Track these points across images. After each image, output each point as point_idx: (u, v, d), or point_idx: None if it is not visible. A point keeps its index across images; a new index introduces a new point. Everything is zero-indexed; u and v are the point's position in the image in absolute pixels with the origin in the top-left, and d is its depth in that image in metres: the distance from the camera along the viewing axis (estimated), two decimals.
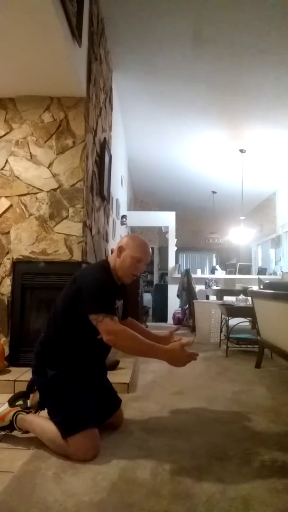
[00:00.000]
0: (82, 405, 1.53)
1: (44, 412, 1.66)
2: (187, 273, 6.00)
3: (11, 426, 1.65)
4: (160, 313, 7.49)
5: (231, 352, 3.72)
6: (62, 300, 1.68)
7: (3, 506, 1.15)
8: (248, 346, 3.79)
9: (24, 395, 1.77)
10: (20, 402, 1.73)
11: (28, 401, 1.74)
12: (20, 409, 1.68)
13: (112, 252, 1.75)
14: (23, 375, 2.45)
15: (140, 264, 1.72)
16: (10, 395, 1.81)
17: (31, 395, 1.76)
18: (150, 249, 1.79)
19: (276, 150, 6.17)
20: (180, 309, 6.37)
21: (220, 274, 7.25)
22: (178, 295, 6.26)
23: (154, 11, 3.24)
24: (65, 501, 1.17)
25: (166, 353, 1.55)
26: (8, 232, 2.85)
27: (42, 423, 1.58)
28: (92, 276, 1.67)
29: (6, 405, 1.71)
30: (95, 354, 1.75)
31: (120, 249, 1.72)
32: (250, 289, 3.94)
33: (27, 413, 1.68)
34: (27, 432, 1.63)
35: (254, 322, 3.55)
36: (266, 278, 5.75)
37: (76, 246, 2.81)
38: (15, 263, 2.82)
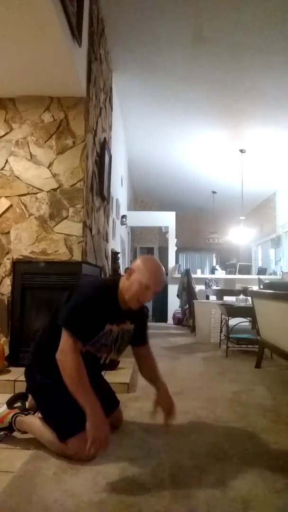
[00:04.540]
0: (72, 409, 1.42)
1: None
2: (187, 273, 6.00)
3: (10, 428, 1.65)
4: (160, 313, 7.49)
5: (231, 352, 3.72)
6: (56, 307, 1.67)
7: (3, 506, 1.15)
8: (248, 346, 3.79)
9: (22, 397, 1.78)
10: (19, 404, 1.73)
11: (27, 403, 1.75)
12: (18, 411, 1.68)
13: (125, 271, 1.61)
14: (23, 375, 2.44)
15: (148, 291, 1.54)
16: (10, 395, 1.82)
17: (30, 396, 1.76)
18: (164, 276, 1.60)
19: (276, 150, 6.17)
20: (180, 309, 6.37)
21: (220, 274, 7.26)
22: (178, 295, 6.26)
23: (154, 11, 3.24)
24: (65, 501, 1.17)
25: (94, 416, 1.36)
26: (8, 232, 2.85)
27: (40, 425, 1.58)
28: (85, 290, 1.61)
29: (5, 406, 1.71)
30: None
31: (130, 271, 1.57)
32: (250, 289, 3.94)
33: (26, 414, 1.68)
34: (26, 432, 1.63)
35: (254, 322, 3.55)
36: (266, 278, 5.76)
37: (76, 246, 2.81)
38: (15, 263, 2.82)
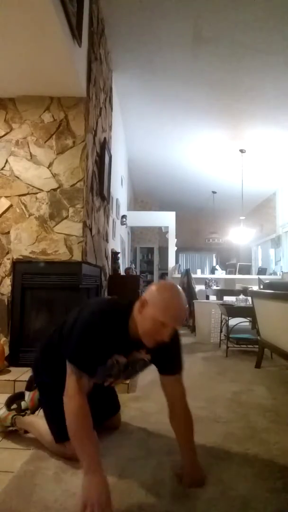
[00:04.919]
0: None
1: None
2: (187, 273, 6.00)
3: (14, 426, 1.68)
4: None
5: (231, 352, 3.72)
6: (63, 324, 1.55)
7: (3, 506, 1.15)
8: (248, 346, 3.79)
9: (18, 397, 1.78)
10: (15, 406, 1.74)
11: (23, 403, 1.74)
12: (15, 413, 1.69)
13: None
14: (23, 375, 2.45)
15: (165, 329, 1.24)
16: (10, 395, 1.82)
17: (31, 393, 1.76)
18: (185, 309, 1.27)
19: (276, 150, 6.17)
20: None
21: (220, 274, 7.26)
22: None
23: (154, 11, 3.24)
24: (65, 501, 1.17)
25: (91, 474, 1.14)
26: (8, 232, 2.85)
27: (39, 426, 1.58)
28: (91, 315, 1.36)
29: (4, 408, 1.73)
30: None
31: (143, 302, 1.27)
32: (250, 289, 3.94)
33: (23, 415, 1.69)
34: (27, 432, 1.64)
35: (254, 322, 3.55)
36: (266, 278, 5.75)
37: (76, 246, 2.81)
38: (15, 263, 2.82)
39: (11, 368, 2.63)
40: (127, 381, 1.63)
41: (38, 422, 1.60)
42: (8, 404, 1.75)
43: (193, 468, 1.33)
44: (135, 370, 1.50)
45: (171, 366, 1.44)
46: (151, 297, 1.26)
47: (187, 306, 1.25)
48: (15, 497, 1.19)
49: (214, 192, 8.60)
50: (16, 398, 1.78)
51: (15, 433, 1.67)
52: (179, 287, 1.30)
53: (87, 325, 1.32)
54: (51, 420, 1.50)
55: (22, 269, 2.80)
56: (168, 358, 1.42)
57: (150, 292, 1.28)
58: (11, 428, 1.67)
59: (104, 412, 1.67)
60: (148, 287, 1.34)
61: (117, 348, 1.38)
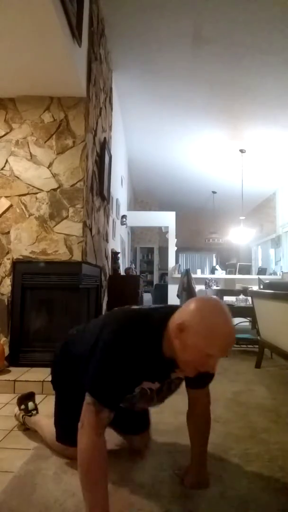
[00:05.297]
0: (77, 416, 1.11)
1: (48, 411, 1.67)
2: (187, 273, 6.01)
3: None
4: None
5: (231, 352, 3.72)
6: (83, 331, 1.37)
7: (3, 506, 1.15)
8: (248, 346, 3.79)
9: (26, 398, 1.80)
10: (23, 406, 1.77)
11: (30, 404, 1.77)
12: (24, 413, 1.74)
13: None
14: (23, 375, 2.45)
15: (211, 360, 1.03)
16: (10, 395, 1.83)
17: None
18: (234, 333, 1.05)
19: (276, 150, 6.17)
20: None
21: (220, 274, 7.26)
22: (178, 295, 6.26)
23: (154, 11, 3.24)
24: (65, 501, 1.17)
25: None
26: (8, 232, 2.85)
27: (42, 424, 1.60)
28: (114, 336, 1.10)
29: (17, 407, 1.80)
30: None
31: (181, 327, 1.02)
32: (250, 289, 3.94)
33: (30, 416, 1.72)
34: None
35: (254, 322, 3.55)
36: (266, 278, 5.75)
37: (76, 246, 2.81)
38: (15, 263, 2.82)
39: (11, 368, 2.63)
40: (160, 404, 1.35)
41: (42, 421, 1.63)
42: (19, 404, 1.79)
43: (200, 470, 1.30)
44: (170, 390, 1.31)
45: (202, 379, 1.24)
46: (191, 321, 1.01)
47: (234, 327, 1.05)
48: (15, 497, 1.19)
49: (214, 192, 8.60)
50: (25, 398, 1.80)
51: (18, 433, 1.68)
52: (223, 304, 1.05)
53: (109, 349, 1.08)
54: (58, 420, 1.46)
55: (22, 269, 2.80)
56: (201, 375, 1.14)
57: (190, 314, 1.02)
58: (26, 426, 1.74)
59: (129, 425, 1.49)
60: (185, 305, 1.08)
61: (149, 374, 1.16)
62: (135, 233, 9.71)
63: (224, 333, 1.00)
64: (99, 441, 1.04)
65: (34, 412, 1.74)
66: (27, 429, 1.73)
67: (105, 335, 1.13)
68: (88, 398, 1.07)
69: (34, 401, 1.79)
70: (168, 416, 1.91)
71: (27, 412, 1.74)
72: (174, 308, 1.13)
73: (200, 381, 1.26)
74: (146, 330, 1.10)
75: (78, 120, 2.89)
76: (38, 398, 2.17)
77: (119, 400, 1.10)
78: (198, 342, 0.99)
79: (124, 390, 1.12)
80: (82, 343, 1.30)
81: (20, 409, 1.76)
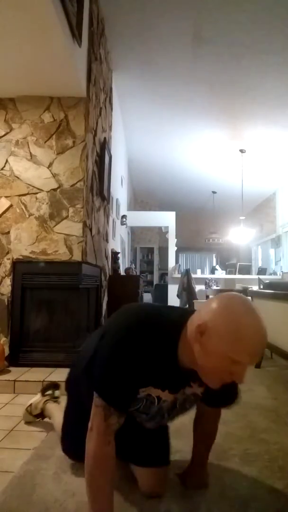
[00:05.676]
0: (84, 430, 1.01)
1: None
2: (187, 273, 6.01)
3: (42, 414, 1.75)
4: None
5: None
6: (90, 343, 1.15)
7: (3, 506, 1.15)
8: None
9: (54, 386, 1.82)
10: (50, 391, 1.79)
11: (57, 392, 1.79)
12: (48, 398, 1.76)
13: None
14: (23, 375, 2.45)
15: (239, 367, 0.87)
16: (10, 395, 1.83)
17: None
18: (266, 336, 0.88)
19: (276, 150, 6.17)
20: None
21: (220, 274, 7.26)
22: (178, 295, 6.26)
23: (154, 11, 3.24)
24: (65, 501, 1.17)
25: None
26: (8, 232, 2.85)
27: (57, 419, 1.57)
28: (123, 333, 0.97)
29: (39, 395, 1.80)
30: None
31: (202, 329, 0.88)
32: (250, 289, 3.94)
33: (55, 401, 1.74)
34: None
35: None
36: (266, 278, 5.76)
37: (76, 246, 2.81)
38: (15, 263, 2.82)
39: (11, 368, 2.63)
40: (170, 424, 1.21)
41: (56, 415, 1.60)
42: (43, 390, 1.80)
43: (200, 471, 1.27)
44: (184, 409, 1.13)
45: (224, 397, 1.12)
46: (215, 322, 0.86)
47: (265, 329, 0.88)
48: (15, 497, 1.19)
49: (214, 192, 8.61)
50: (52, 386, 1.81)
51: (18, 433, 1.68)
52: (252, 304, 0.90)
53: (117, 349, 0.96)
54: (65, 431, 1.34)
55: (22, 269, 2.80)
56: (223, 390, 0.98)
57: (212, 313, 0.88)
58: (39, 419, 1.75)
59: (143, 452, 1.24)
60: (206, 303, 0.93)
61: (159, 379, 1.01)
62: (135, 233, 9.71)
63: (254, 335, 0.85)
64: (106, 448, 0.97)
65: (59, 399, 1.75)
66: (39, 416, 1.74)
67: (112, 332, 1.01)
68: (96, 400, 0.98)
69: (59, 390, 1.80)
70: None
71: (53, 397, 1.75)
72: (192, 311, 1.01)
73: (221, 399, 1.11)
74: (159, 331, 0.96)
75: (78, 120, 2.89)
76: None
77: (128, 401, 0.99)
78: (222, 346, 0.85)
79: (133, 391, 1.00)
80: (88, 344, 1.22)
81: (43, 395, 1.76)
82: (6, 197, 2.87)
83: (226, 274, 7.29)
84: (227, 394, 1.12)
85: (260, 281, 4.81)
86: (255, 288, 4.51)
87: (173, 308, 1.09)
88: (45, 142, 2.89)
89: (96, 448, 0.96)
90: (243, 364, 0.86)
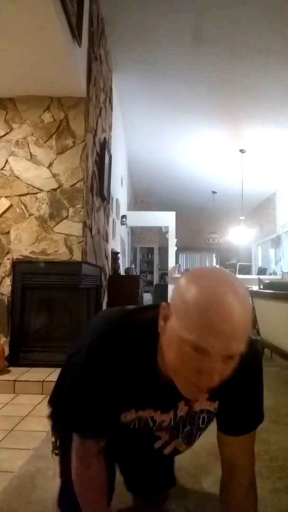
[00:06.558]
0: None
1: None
2: None
3: None
4: None
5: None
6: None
7: (3, 506, 1.14)
8: None
9: None
10: None
11: None
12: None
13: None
14: (23, 375, 2.45)
15: (206, 359, 0.62)
16: (10, 395, 1.82)
17: None
18: (246, 315, 0.63)
19: (276, 150, 6.17)
20: None
21: None
22: None
23: (154, 11, 3.23)
24: None
25: None
26: (8, 232, 2.85)
27: None
28: (92, 346, 0.79)
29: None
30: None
31: (165, 313, 0.69)
32: (250, 289, 3.94)
33: None
34: None
35: (254, 322, 3.55)
36: (266, 278, 5.75)
37: (76, 246, 2.81)
38: (15, 263, 2.82)
39: (11, 368, 2.63)
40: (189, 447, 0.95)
41: None
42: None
43: None
44: (197, 427, 0.90)
45: (242, 422, 0.84)
46: (177, 301, 0.66)
47: (249, 308, 0.66)
48: (15, 497, 1.19)
49: (214, 192, 8.60)
50: None
51: (18, 433, 1.68)
52: (232, 275, 0.68)
53: (84, 366, 0.80)
54: (61, 484, 1.02)
55: (22, 269, 2.80)
56: (241, 409, 0.82)
57: (178, 292, 0.67)
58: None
59: (150, 485, 1.12)
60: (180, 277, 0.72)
61: (143, 401, 0.83)
62: (135, 233, 9.70)
63: (224, 311, 0.60)
64: (87, 473, 0.85)
65: None
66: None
67: (86, 339, 0.83)
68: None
69: None
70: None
71: None
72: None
73: (237, 422, 0.84)
74: (128, 344, 0.77)
75: (78, 120, 2.89)
76: (38, 398, 2.17)
77: (102, 427, 0.84)
78: (180, 327, 0.63)
79: (110, 416, 0.83)
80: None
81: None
82: (6, 197, 2.87)
83: None
84: (245, 417, 0.83)
85: (260, 281, 4.81)
86: (255, 288, 4.51)
87: (146, 308, 0.85)
88: (45, 142, 2.89)
89: (76, 476, 0.86)
90: (211, 354, 0.61)
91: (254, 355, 0.82)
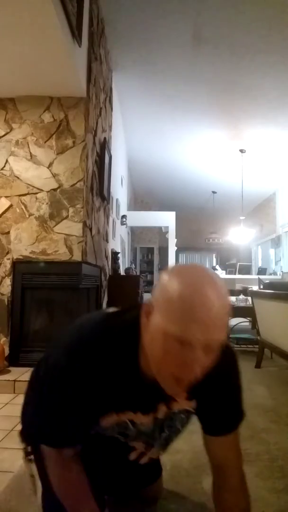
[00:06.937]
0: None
1: None
2: None
3: None
4: None
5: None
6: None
7: (3, 506, 1.15)
8: (248, 346, 3.79)
9: None
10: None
11: None
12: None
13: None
14: (23, 375, 2.45)
15: (190, 354, 0.64)
16: (10, 395, 1.82)
17: None
18: (224, 308, 0.65)
19: (276, 150, 6.17)
20: None
21: (220, 274, 7.26)
22: None
23: (154, 11, 3.23)
24: None
25: None
26: (8, 232, 2.85)
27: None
28: (65, 350, 0.78)
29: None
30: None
31: (148, 309, 0.71)
32: (250, 289, 3.94)
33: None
34: None
35: (254, 322, 3.55)
36: (266, 278, 5.75)
37: (76, 246, 2.81)
38: (15, 263, 2.82)
39: (11, 368, 2.63)
40: (162, 452, 0.98)
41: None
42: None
43: None
44: (176, 428, 0.91)
45: (223, 421, 0.87)
46: (159, 297, 0.68)
47: (228, 301, 0.68)
48: (15, 497, 1.19)
49: (214, 192, 8.60)
50: None
51: (15, 434, 1.68)
52: (211, 270, 0.72)
53: (54, 370, 0.78)
54: (43, 488, 0.97)
55: (22, 269, 2.80)
56: (220, 408, 0.86)
57: (160, 288, 0.69)
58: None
59: (137, 478, 1.09)
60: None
61: (124, 403, 0.81)
62: (135, 233, 9.70)
63: (205, 303, 0.63)
64: (69, 475, 0.82)
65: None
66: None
67: (51, 354, 0.84)
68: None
69: None
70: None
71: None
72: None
73: (219, 423, 0.86)
74: (111, 339, 0.76)
75: (78, 120, 2.89)
76: None
77: (78, 437, 0.81)
78: (162, 320, 0.65)
79: (87, 423, 0.81)
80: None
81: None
82: (6, 197, 2.87)
83: (226, 274, 7.29)
84: (227, 416, 0.87)
85: (260, 281, 4.81)
86: (255, 288, 4.52)
87: (127, 310, 0.85)
88: (45, 142, 2.89)
89: (59, 483, 0.83)
90: (194, 346, 0.63)
91: (230, 356, 0.85)
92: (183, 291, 0.64)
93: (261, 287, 4.11)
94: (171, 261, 7.21)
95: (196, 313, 0.63)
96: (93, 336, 0.78)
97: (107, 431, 0.85)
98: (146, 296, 7.86)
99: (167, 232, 7.51)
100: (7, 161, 2.89)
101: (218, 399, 0.84)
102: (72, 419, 0.77)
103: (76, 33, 2.47)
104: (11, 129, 2.91)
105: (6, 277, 2.82)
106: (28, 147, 2.89)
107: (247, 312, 3.67)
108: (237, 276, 6.89)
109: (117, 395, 0.78)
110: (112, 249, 4.50)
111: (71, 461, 0.82)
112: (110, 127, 4.15)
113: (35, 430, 0.83)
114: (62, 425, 0.78)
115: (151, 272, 10.04)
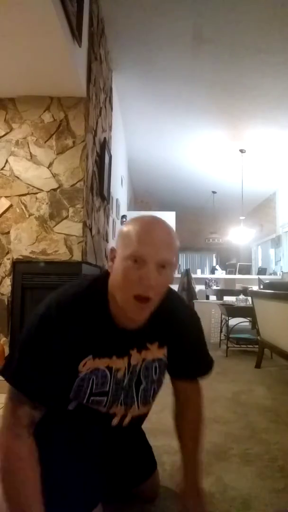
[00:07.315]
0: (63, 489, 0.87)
1: None
2: (187, 273, 6.00)
3: None
4: None
5: (231, 352, 3.72)
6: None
7: (3, 506, 1.14)
8: (248, 346, 3.79)
9: None
10: None
11: None
12: None
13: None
14: None
15: (143, 267, 0.79)
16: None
17: None
18: (167, 236, 0.84)
19: (276, 150, 6.17)
20: None
21: (220, 274, 7.26)
22: None
23: (154, 11, 3.23)
24: None
25: None
26: (8, 232, 2.85)
27: None
28: (44, 308, 0.90)
29: None
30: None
31: (112, 254, 0.87)
32: (250, 289, 3.94)
33: None
34: None
35: (254, 322, 3.55)
36: (266, 278, 5.76)
37: (76, 246, 2.81)
38: (15, 263, 2.82)
39: None
40: (146, 410, 1.05)
41: None
42: None
43: (191, 491, 1.01)
44: (151, 380, 0.97)
45: (193, 364, 1.03)
46: (118, 239, 0.87)
47: (175, 235, 0.87)
48: None
49: (214, 192, 8.60)
50: None
51: None
52: (160, 218, 0.87)
53: (34, 325, 0.86)
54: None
55: (22, 269, 2.80)
56: (188, 352, 1.00)
57: (118, 233, 0.89)
58: None
59: (130, 474, 1.10)
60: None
61: (100, 348, 0.89)
62: None
63: (149, 228, 0.82)
64: (15, 445, 0.79)
65: None
66: None
67: (40, 306, 0.94)
68: (8, 391, 0.84)
69: None
70: (168, 417, 1.91)
71: None
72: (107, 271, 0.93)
73: (189, 366, 1.02)
74: (82, 296, 0.88)
75: (78, 120, 2.89)
76: None
77: (44, 388, 0.82)
78: (121, 251, 0.82)
79: (57, 371, 0.83)
80: None
81: None
82: (6, 197, 2.87)
83: (226, 274, 7.29)
84: (195, 360, 1.02)
85: (260, 281, 4.81)
86: (255, 288, 4.52)
87: (97, 275, 0.98)
88: (45, 142, 2.89)
89: (2, 446, 0.80)
90: (147, 259, 0.79)
91: (193, 314, 1.09)
92: (137, 226, 0.83)
93: (261, 287, 4.12)
94: None
95: (147, 237, 0.80)
96: (77, 293, 0.90)
97: (86, 396, 0.89)
98: None
99: None
100: (7, 161, 2.89)
101: (185, 346, 1.00)
102: (55, 363, 0.83)
103: (76, 33, 2.47)
104: (11, 129, 2.91)
105: (6, 277, 2.82)
106: (28, 147, 2.89)
107: (247, 312, 3.67)
108: (237, 276, 6.89)
109: (94, 340, 0.87)
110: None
111: (23, 428, 0.80)
112: (110, 127, 4.15)
113: (14, 369, 0.83)
114: (43, 368, 0.82)
115: None
